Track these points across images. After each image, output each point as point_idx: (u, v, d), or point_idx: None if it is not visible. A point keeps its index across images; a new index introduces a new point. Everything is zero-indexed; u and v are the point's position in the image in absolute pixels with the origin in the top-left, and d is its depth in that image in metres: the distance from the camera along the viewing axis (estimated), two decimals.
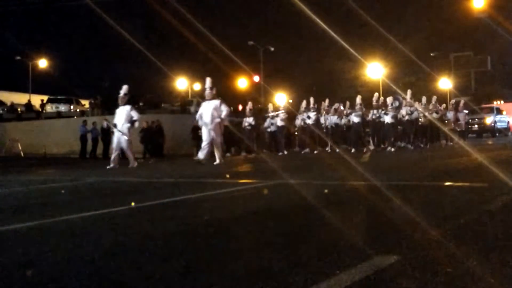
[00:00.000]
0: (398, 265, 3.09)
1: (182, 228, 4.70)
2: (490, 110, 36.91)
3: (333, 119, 22.45)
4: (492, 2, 28.39)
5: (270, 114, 22.57)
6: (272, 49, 44.93)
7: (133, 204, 6.28)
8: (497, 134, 34.95)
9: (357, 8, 36.74)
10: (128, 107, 14.41)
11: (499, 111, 37.60)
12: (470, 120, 33.68)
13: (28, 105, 41.41)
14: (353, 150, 20.16)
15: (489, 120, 35.21)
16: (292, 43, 54.10)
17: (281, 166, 12.51)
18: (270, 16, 62.41)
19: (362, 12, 37.35)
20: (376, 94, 22.62)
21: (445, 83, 51.17)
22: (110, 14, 31.66)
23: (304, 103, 22.52)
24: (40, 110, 39.26)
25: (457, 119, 24.99)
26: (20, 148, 27.40)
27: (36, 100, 44.34)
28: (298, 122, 22.76)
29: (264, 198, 6.70)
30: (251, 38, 43.34)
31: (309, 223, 4.64)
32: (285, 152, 21.47)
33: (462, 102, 26.82)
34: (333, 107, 23.00)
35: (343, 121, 22.34)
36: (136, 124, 14.84)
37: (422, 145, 22.53)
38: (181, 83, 55.06)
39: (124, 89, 14.57)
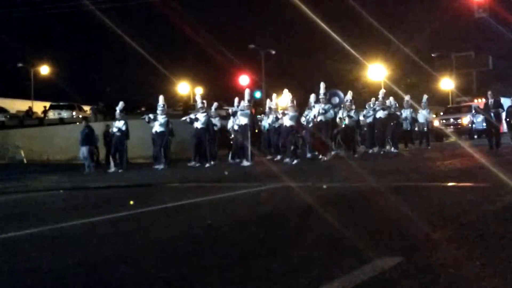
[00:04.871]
0: (401, 266, 3.09)
1: (185, 232, 4.71)
2: (468, 109, 31.38)
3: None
4: (492, 1, 28.31)
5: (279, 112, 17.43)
6: (273, 52, 44.94)
7: (131, 202, 6.30)
8: (475, 136, 29.22)
9: (359, 9, 36.71)
10: None
11: (478, 110, 30.19)
12: (444, 121, 30.00)
13: (28, 112, 41.51)
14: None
15: (465, 120, 30.04)
16: (294, 45, 54.11)
17: (282, 170, 12.49)
18: (271, 19, 62.47)
19: (364, 13, 37.31)
20: (285, 90, 17.11)
21: (447, 83, 51.18)
22: (111, 20, 31.70)
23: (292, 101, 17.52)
24: (43, 116, 39.34)
25: (414, 119, 20.55)
26: (23, 154, 27.44)
27: (39, 106, 44.42)
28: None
29: (266, 202, 6.70)
30: (252, 41, 43.27)
31: (312, 226, 4.64)
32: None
33: (425, 97, 21.53)
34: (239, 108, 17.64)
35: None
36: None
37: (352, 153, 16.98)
38: (183, 87, 55.12)
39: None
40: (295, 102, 16.34)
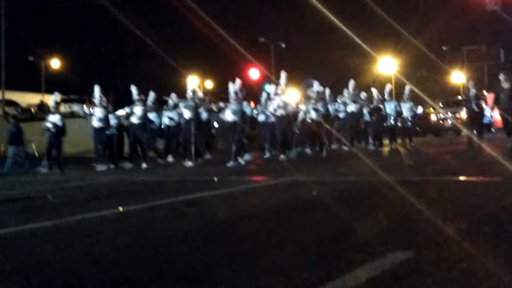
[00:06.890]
0: (413, 261, 3.09)
1: (194, 226, 4.71)
2: None
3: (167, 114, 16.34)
4: None
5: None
6: (283, 45, 44.80)
7: (143, 205, 6.30)
8: (474, 131, 27.51)
9: (369, 2, 36.41)
10: None
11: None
12: (442, 115, 28.72)
13: (40, 106, 41.71)
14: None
15: (464, 114, 29.17)
16: (304, 39, 53.98)
17: (294, 163, 12.45)
18: (281, 12, 62.31)
19: (374, 6, 37.03)
20: (237, 81, 13.99)
21: (458, 76, 50.88)
22: (121, 12, 31.71)
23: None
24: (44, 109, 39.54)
25: (398, 113, 18.09)
26: (34, 148, 27.62)
27: (49, 100, 44.60)
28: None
29: (277, 196, 6.70)
30: (263, 34, 43.16)
31: (323, 220, 4.63)
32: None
33: (407, 89, 19.42)
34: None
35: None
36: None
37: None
38: (193, 81, 55.23)
39: None
40: (239, 94, 13.69)
